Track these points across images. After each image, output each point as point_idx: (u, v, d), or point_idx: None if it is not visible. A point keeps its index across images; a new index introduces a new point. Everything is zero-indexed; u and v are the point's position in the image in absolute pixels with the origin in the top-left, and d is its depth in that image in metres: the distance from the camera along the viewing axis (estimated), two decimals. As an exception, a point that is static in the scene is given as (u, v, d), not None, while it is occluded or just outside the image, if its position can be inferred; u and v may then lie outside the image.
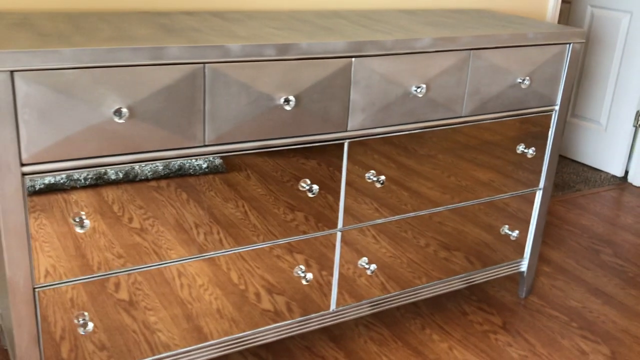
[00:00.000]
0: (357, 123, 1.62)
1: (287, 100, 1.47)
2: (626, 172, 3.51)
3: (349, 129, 1.61)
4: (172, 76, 1.33)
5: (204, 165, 1.45)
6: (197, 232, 1.51)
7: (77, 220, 1.35)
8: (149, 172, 1.39)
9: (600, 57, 3.47)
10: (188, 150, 1.41)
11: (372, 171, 1.70)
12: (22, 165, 1.25)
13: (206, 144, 1.43)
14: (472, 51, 1.73)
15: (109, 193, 1.37)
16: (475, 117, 1.82)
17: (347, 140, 1.63)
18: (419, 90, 1.65)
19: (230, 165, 1.48)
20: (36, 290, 1.36)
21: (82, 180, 1.33)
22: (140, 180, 1.39)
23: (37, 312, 1.38)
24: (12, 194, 1.26)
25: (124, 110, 1.29)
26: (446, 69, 1.70)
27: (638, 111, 3.34)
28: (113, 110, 1.29)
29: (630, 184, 3.40)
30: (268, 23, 1.67)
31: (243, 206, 1.54)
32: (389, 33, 1.65)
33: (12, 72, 1.18)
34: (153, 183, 1.42)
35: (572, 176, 3.45)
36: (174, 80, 1.34)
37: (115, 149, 1.33)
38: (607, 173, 3.53)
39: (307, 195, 1.62)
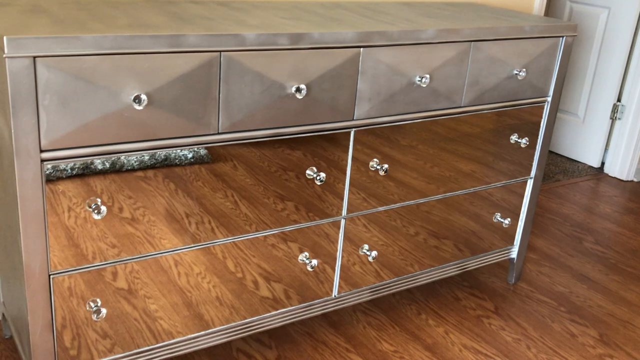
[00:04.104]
0: (363, 112, 1.65)
1: (298, 89, 1.49)
2: (602, 163, 3.62)
3: (355, 117, 1.64)
4: (189, 64, 1.35)
5: (189, 155, 1.46)
6: (188, 221, 1.51)
7: (94, 206, 1.36)
8: (135, 162, 1.39)
9: (579, 52, 3.57)
10: (203, 138, 1.43)
11: (376, 159, 1.74)
12: (42, 151, 1.25)
13: (220, 131, 1.45)
14: (472, 43, 1.77)
15: (97, 183, 1.37)
16: (473, 108, 1.87)
17: (354, 129, 1.66)
18: (422, 80, 1.69)
19: (215, 155, 1.49)
20: (51, 277, 1.36)
21: (69, 170, 1.32)
22: (127, 170, 1.40)
23: (52, 299, 1.38)
24: (31, 180, 1.26)
25: (143, 97, 1.30)
26: (448, 60, 1.74)
27: (615, 104, 3.44)
28: (132, 97, 1.30)
29: (607, 175, 3.51)
30: (275, 13, 1.69)
31: (232, 196, 1.55)
32: (394, 24, 1.69)
33: (34, 58, 1.18)
34: (140, 173, 1.41)
35: (551, 167, 3.55)
36: (191, 68, 1.35)
37: (133, 136, 1.34)
38: (584, 164, 3.63)
39: (301, 184, 1.65)
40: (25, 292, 1.35)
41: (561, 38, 1.98)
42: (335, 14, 1.76)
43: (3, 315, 1.80)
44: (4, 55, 1.15)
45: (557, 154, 3.78)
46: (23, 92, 1.19)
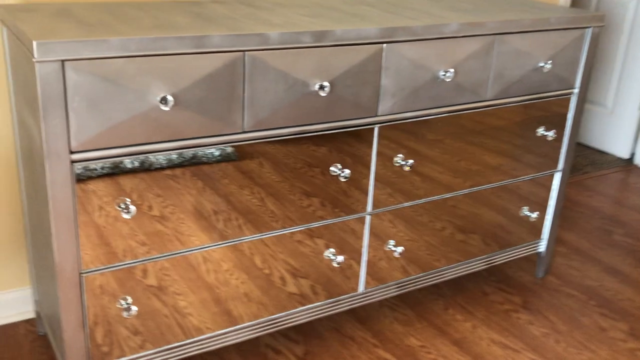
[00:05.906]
0: (387, 108, 1.65)
1: (322, 87, 1.50)
2: (632, 154, 3.56)
3: (379, 113, 1.64)
4: (214, 64, 1.36)
5: (217, 153, 1.47)
6: (216, 219, 1.53)
7: (123, 206, 1.38)
8: (163, 160, 1.41)
9: (607, 41, 3.51)
10: (229, 137, 1.44)
11: (401, 155, 1.74)
12: (71, 152, 1.28)
13: (245, 130, 1.46)
14: (497, 36, 1.76)
15: (126, 182, 1.39)
16: (498, 101, 1.86)
17: (378, 125, 1.66)
18: (446, 74, 1.68)
19: (241, 153, 1.50)
20: (82, 275, 1.39)
21: (99, 170, 1.34)
22: (156, 169, 1.42)
23: (83, 297, 1.41)
24: (62, 181, 1.29)
25: (169, 98, 1.32)
26: (472, 53, 1.73)
27: (644, 94, 3.38)
28: (159, 98, 1.32)
29: (636, 166, 3.45)
30: (297, 10, 1.70)
31: (259, 193, 1.56)
32: (417, 19, 1.68)
33: (63, 61, 1.20)
34: (168, 171, 1.43)
35: (580, 159, 3.50)
36: (216, 68, 1.37)
37: (160, 136, 1.36)
38: (613, 155, 3.58)
39: (326, 180, 1.65)
40: (57, 291, 1.38)
41: (588, 29, 1.96)
42: (358, 10, 1.76)
43: (37, 313, 1.85)
44: (34, 60, 1.18)
45: (585, 145, 3.73)
46: (53, 95, 1.21)
